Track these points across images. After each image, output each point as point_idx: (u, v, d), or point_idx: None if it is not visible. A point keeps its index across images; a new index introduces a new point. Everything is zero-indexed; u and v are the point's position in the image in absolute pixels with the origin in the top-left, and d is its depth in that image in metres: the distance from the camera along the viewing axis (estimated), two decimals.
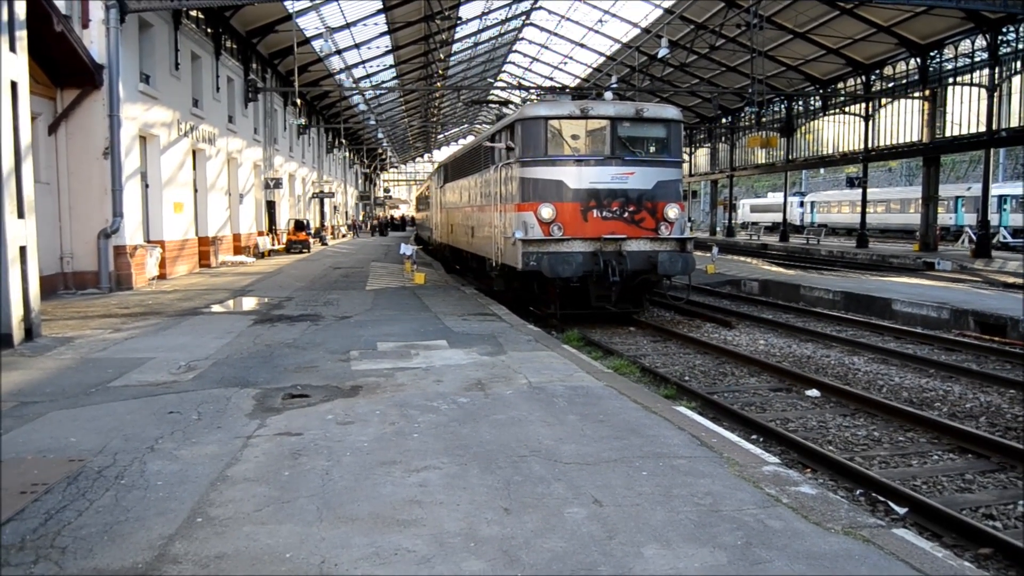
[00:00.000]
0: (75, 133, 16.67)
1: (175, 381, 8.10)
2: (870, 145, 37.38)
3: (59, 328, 11.68)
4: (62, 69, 16.04)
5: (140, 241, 18.50)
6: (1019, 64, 29.08)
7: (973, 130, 31.67)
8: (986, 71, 29.60)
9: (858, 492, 6.21)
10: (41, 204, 14.05)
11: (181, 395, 7.46)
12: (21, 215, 9.97)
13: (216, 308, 14.65)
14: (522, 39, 51.03)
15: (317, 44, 29.65)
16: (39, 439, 6.01)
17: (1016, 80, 29.63)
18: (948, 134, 33.54)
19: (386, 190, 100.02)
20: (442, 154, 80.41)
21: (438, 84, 49.11)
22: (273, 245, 33.02)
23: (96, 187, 16.73)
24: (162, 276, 19.76)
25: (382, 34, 36.73)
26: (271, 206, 34.01)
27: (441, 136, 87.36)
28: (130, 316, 13.21)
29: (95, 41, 16.50)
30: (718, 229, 57.18)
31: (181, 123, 21.90)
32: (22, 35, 10.08)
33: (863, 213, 38.77)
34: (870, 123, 37.12)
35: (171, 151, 21.13)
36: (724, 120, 51.28)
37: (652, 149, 14.43)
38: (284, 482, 5.06)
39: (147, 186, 19.92)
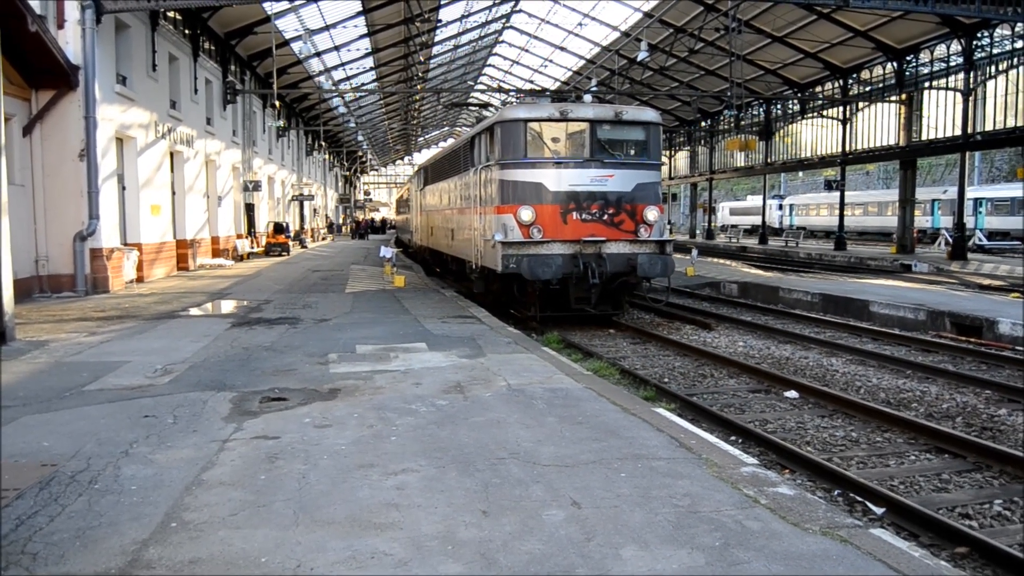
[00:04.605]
0: (50, 134, 16.48)
1: (151, 385, 8.01)
2: (847, 148, 37.71)
3: (33, 331, 11.53)
4: (37, 70, 15.85)
5: (117, 244, 18.30)
6: (993, 69, 29.45)
7: (949, 134, 32.03)
8: (961, 75, 29.95)
9: (836, 492, 6.24)
10: (15, 206, 13.89)
11: (157, 399, 7.38)
12: None
13: (193, 311, 14.52)
14: (502, 42, 51.07)
15: (296, 46, 29.54)
16: (11, 444, 5.91)
17: (991, 84, 30.00)
18: (924, 137, 33.93)
19: (366, 193, 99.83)
20: (422, 157, 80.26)
21: (418, 87, 49.00)
22: (252, 248, 32.81)
23: (72, 189, 16.53)
24: (139, 279, 19.57)
25: (362, 36, 36.59)
26: (250, 209, 33.80)
27: (421, 139, 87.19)
28: (106, 319, 13.07)
29: (71, 42, 16.31)
30: (698, 232, 57.51)
31: (159, 125, 21.71)
32: None
33: (841, 216, 39.08)
34: (847, 126, 37.45)
35: (148, 153, 20.94)
36: (703, 123, 51.57)
37: (631, 152, 14.44)
38: (260, 486, 5.01)
39: (124, 188, 19.73)
